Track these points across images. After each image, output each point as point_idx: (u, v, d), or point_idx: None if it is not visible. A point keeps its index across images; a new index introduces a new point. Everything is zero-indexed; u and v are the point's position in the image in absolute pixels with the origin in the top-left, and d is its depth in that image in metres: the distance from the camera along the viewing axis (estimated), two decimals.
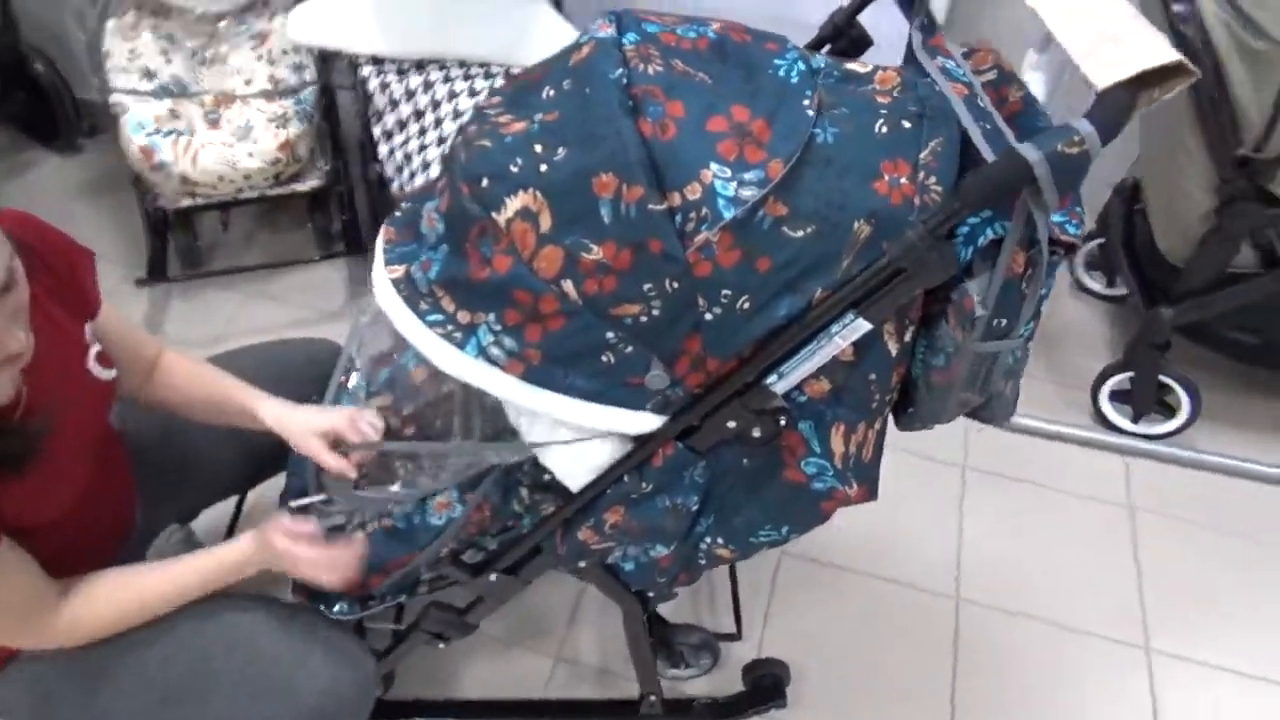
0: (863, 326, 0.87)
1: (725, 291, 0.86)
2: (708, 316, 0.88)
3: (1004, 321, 0.90)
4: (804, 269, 0.86)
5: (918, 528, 1.79)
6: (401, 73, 1.86)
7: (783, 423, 0.96)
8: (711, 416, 0.95)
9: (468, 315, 0.94)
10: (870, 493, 1.03)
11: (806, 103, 0.88)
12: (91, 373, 1.06)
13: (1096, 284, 2.33)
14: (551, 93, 0.90)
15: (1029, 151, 0.75)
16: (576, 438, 1.00)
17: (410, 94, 1.84)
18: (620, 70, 0.86)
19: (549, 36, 1.91)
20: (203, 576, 1.06)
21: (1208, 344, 1.92)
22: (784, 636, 1.58)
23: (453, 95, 1.83)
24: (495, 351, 0.93)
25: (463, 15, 1.87)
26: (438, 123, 1.81)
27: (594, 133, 0.85)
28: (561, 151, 0.86)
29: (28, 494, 0.93)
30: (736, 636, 1.50)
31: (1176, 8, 1.59)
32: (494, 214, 0.88)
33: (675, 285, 0.86)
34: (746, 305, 0.88)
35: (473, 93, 1.84)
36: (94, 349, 1.06)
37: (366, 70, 1.87)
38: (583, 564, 1.12)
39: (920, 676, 1.56)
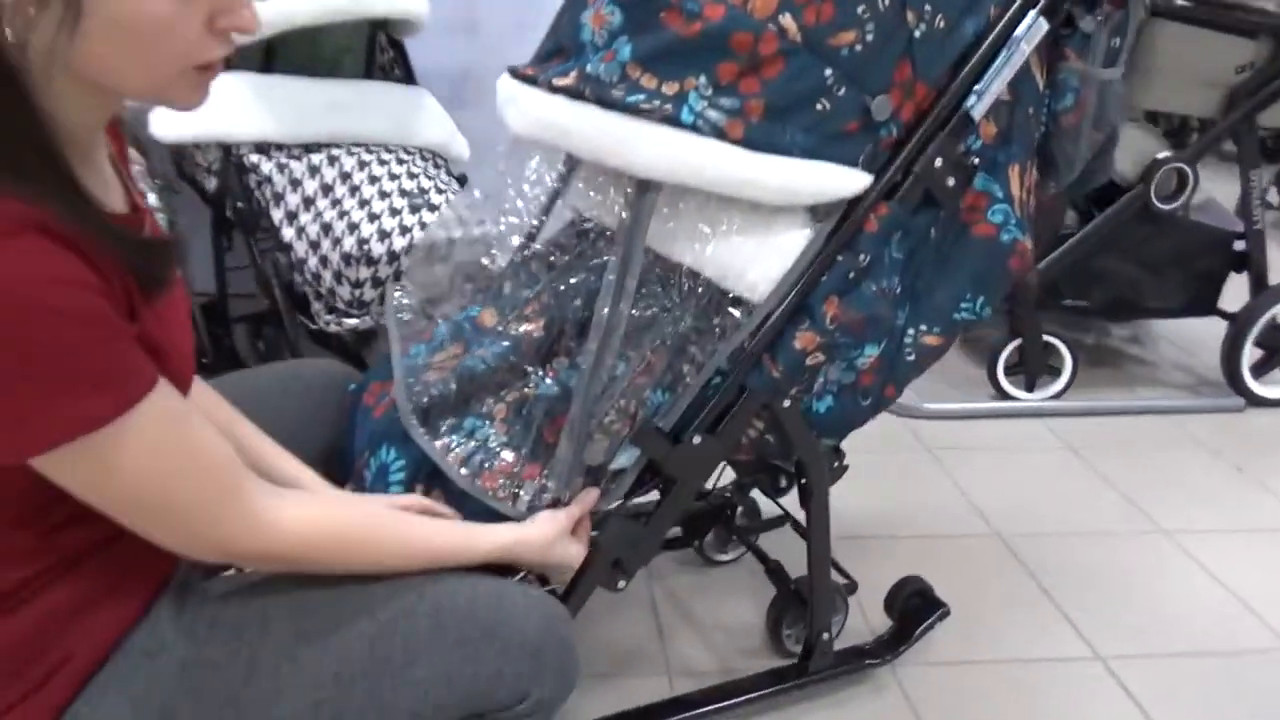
0: (1042, 27, 0.95)
1: (927, 6, 0.91)
2: (916, 34, 0.91)
3: (1118, 40, 1.03)
4: None
5: (921, 497, 1.80)
6: (294, 155, 1.75)
7: (975, 162, 0.99)
8: (919, 158, 0.95)
9: (674, 85, 0.89)
10: (1031, 250, 1.06)
11: None
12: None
13: None
14: None
15: None
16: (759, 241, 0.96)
17: (314, 169, 1.72)
18: None
19: (436, 122, 1.92)
20: (453, 549, 0.85)
21: (1059, 316, 2.23)
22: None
23: (363, 164, 1.74)
24: (713, 114, 0.89)
25: (352, 99, 1.83)
26: (354, 190, 1.70)
27: None
28: None
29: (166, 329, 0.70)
30: (853, 586, 1.37)
31: None
32: None
33: (886, 1, 0.89)
34: (942, 24, 0.93)
35: (382, 162, 1.77)
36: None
37: (255, 157, 1.73)
38: (789, 400, 1.00)
39: (1023, 607, 1.51)
